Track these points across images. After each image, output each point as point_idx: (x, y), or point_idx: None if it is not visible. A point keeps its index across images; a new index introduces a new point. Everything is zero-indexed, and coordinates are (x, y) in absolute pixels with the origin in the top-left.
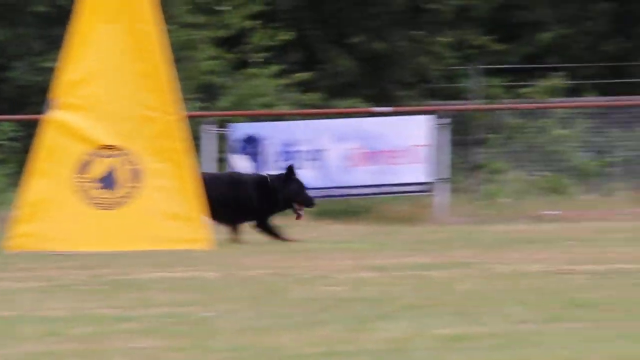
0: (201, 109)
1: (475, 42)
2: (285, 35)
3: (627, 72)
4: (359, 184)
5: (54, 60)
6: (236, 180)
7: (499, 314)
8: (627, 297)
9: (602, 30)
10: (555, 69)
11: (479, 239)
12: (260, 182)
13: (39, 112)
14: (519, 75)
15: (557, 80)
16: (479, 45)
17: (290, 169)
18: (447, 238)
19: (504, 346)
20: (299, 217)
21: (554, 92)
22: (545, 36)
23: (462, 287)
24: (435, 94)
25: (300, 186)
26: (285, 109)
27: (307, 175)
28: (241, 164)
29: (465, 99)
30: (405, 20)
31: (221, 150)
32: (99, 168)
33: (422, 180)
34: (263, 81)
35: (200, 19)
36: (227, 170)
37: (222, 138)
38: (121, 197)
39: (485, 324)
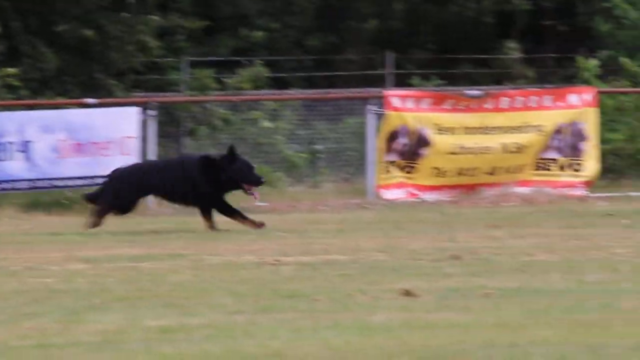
0: None
1: (183, 34)
2: None
3: (333, 66)
4: (68, 176)
5: None
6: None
7: (211, 305)
8: (335, 288)
9: (307, 24)
10: (264, 62)
11: (190, 230)
12: (207, 163)
13: None
14: (228, 67)
15: (262, 71)
16: (187, 37)
17: (231, 149)
18: (159, 229)
19: (216, 337)
20: (252, 195)
21: (259, 83)
22: (253, 29)
23: (174, 279)
24: (143, 86)
25: (246, 166)
26: None
27: (15, 166)
28: None
29: (174, 90)
30: (111, 7)
31: None
32: None
33: None
34: None
35: None
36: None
37: None
38: None
39: (198, 315)
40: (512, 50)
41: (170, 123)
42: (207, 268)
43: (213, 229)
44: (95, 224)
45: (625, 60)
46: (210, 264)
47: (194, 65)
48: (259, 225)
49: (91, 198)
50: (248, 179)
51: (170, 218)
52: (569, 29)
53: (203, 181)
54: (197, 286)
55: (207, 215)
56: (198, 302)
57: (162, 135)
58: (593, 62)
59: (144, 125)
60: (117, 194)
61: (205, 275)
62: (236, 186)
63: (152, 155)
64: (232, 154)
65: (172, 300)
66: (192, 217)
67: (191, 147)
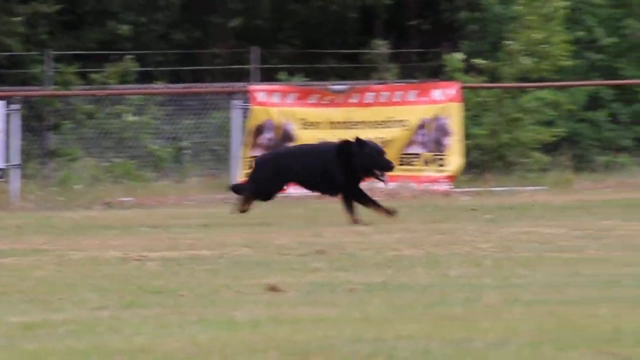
0: None
1: (45, 26)
2: None
3: (198, 60)
4: None
5: None
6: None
7: (75, 301)
8: (200, 283)
9: (173, 19)
10: (129, 57)
11: (53, 226)
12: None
13: None
14: (94, 61)
15: (129, 65)
16: (50, 30)
17: (358, 139)
18: (21, 225)
19: (80, 333)
20: (385, 181)
21: (124, 78)
22: (118, 24)
23: (37, 274)
24: (9, 80)
25: (376, 151)
26: None
27: None
28: None
29: (37, 84)
30: None
31: None
32: None
33: None
34: None
35: None
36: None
37: None
38: None
39: (61, 310)
40: (378, 45)
41: (34, 117)
42: (71, 263)
43: (357, 222)
44: (243, 211)
45: (475, 61)
46: (74, 260)
47: (58, 59)
48: (392, 213)
49: (236, 189)
50: (379, 164)
51: (33, 213)
52: (433, 24)
53: (340, 170)
54: (61, 282)
55: (348, 207)
56: (62, 298)
57: (26, 129)
58: (457, 57)
59: (8, 119)
60: (259, 182)
61: (69, 271)
62: (369, 172)
63: (16, 151)
64: (360, 141)
65: (36, 295)
66: (55, 212)
67: (55, 142)
